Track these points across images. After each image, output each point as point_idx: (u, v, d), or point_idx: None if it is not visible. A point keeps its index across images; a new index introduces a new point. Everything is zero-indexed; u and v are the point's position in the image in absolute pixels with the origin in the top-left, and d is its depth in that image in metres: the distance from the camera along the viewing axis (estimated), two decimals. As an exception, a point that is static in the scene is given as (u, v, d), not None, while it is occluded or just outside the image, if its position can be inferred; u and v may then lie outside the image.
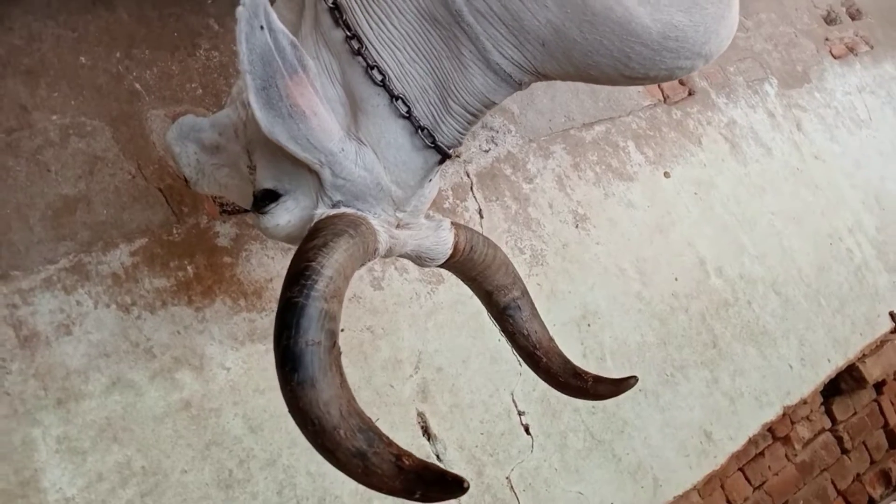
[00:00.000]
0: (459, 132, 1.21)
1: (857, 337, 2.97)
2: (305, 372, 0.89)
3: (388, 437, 0.91)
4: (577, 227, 2.46)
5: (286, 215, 1.24)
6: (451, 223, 1.34)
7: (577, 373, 1.38)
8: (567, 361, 1.40)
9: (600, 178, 2.58)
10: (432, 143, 1.19)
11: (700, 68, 1.06)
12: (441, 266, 1.35)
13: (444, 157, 1.22)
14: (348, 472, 0.90)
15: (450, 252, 1.31)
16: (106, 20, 1.95)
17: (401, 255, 1.30)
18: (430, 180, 1.27)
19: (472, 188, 2.32)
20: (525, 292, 1.41)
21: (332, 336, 0.93)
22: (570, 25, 1.00)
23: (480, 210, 2.31)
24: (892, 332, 3.13)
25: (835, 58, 3.72)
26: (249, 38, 1.06)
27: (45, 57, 1.85)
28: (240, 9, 1.24)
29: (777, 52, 3.47)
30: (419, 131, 1.18)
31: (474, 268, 1.37)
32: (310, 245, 1.03)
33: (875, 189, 3.44)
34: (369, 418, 0.92)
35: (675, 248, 2.63)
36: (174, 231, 1.81)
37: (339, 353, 0.95)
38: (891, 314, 3.14)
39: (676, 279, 2.58)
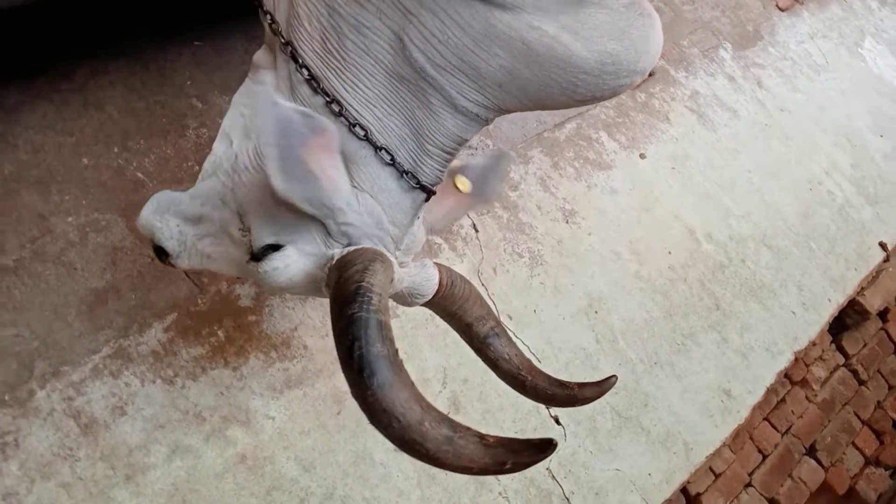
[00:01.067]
0: (439, 170, 1.34)
1: (853, 273, 3.10)
2: (384, 375, 0.98)
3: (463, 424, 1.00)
4: (567, 222, 2.60)
5: (288, 261, 1.32)
6: (433, 262, 1.45)
7: (562, 383, 1.46)
8: (549, 376, 1.47)
9: (580, 172, 2.72)
10: (417, 183, 1.32)
11: (638, 81, 1.20)
12: (425, 304, 1.45)
13: (430, 194, 1.36)
14: (439, 460, 0.98)
15: (436, 288, 1.42)
16: (99, 120, 2.10)
17: (391, 295, 1.41)
18: (419, 217, 1.40)
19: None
20: (498, 321, 1.50)
21: (393, 344, 1.03)
22: (520, 67, 1.14)
23: (474, 224, 2.45)
24: (885, 262, 3.25)
25: (782, 10, 3.86)
26: (266, 115, 1.17)
27: (51, 165, 1.99)
28: (257, 89, 1.39)
29: (725, 17, 3.61)
30: (404, 175, 1.31)
31: (455, 302, 1.46)
32: (352, 270, 1.14)
33: (843, 128, 3.57)
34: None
35: (663, 223, 2.76)
36: (199, 301, 1.95)
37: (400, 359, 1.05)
38: (881, 244, 3.27)
39: (670, 252, 2.71)
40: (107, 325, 1.86)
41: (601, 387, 1.45)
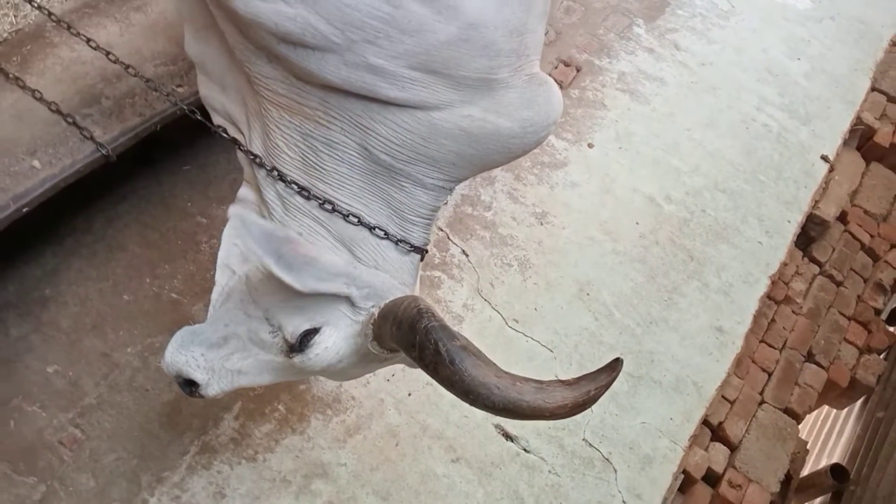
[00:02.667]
0: (425, 233, 1.66)
1: (804, 191, 3.43)
2: (471, 359, 1.19)
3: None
4: (542, 224, 2.93)
5: (330, 338, 1.54)
6: None
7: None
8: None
9: (540, 177, 3.05)
10: (411, 247, 1.64)
11: (552, 130, 1.54)
12: None
13: (423, 253, 1.68)
14: (540, 409, 1.17)
15: None
16: (126, 259, 2.43)
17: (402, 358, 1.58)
18: (418, 275, 1.72)
19: (448, 238, 2.79)
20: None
21: (464, 338, 1.25)
22: (464, 148, 1.46)
23: (463, 251, 2.78)
24: (830, 172, 3.58)
25: (680, -28, 4.20)
26: (251, 234, 1.42)
27: (100, 309, 2.32)
28: (242, 219, 1.68)
29: (631, -5, 3.94)
30: (399, 243, 1.62)
31: None
32: (403, 306, 1.35)
33: (763, 63, 3.90)
34: None
35: (624, 199, 3.10)
36: (255, 386, 2.28)
37: None
38: (822, 157, 3.60)
39: (637, 223, 3.04)
40: (187, 429, 2.18)
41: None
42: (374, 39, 1.36)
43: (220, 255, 1.72)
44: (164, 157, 2.63)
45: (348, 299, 1.52)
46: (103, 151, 1.90)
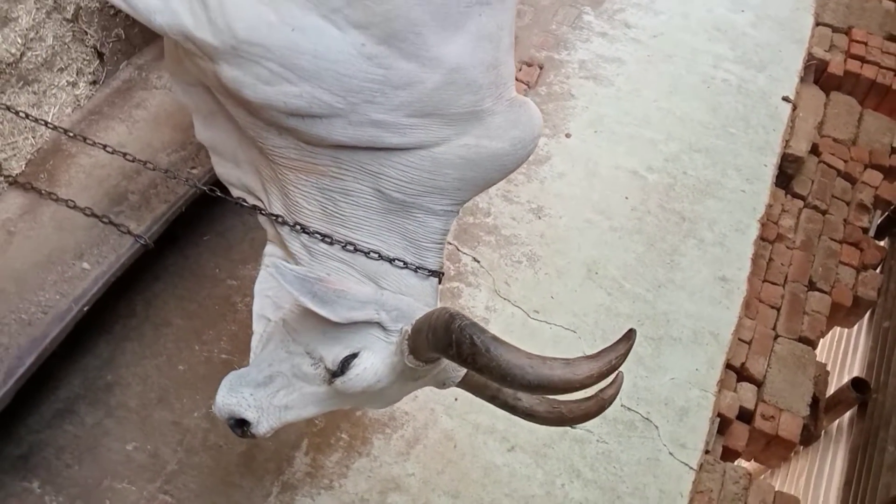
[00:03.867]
0: (438, 257, 1.81)
1: (773, 134, 3.64)
2: (502, 345, 1.33)
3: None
4: (539, 218, 3.14)
5: (368, 361, 1.63)
6: None
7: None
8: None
9: (529, 175, 3.26)
10: (429, 272, 1.79)
11: (538, 142, 1.75)
12: (459, 383, 1.76)
13: (440, 275, 1.83)
14: (569, 381, 1.32)
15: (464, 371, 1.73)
16: (172, 333, 2.62)
17: (433, 380, 1.73)
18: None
19: (458, 249, 2.99)
20: None
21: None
22: (466, 173, 1.66)
23: (474, 258, 2.99)
24: (793, 111, 3.80)
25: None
26: (286, 279, 1.59)
27: (160, 383, 2.52)
28: (273, 270, 1.87)
29: (574, -14, 4.16)
30: (418, 270, 1.77)
31: (477, 379, 1.74)
32: (435, 314, 1.48)
33: (709, 21, 4.11)
34: None
35: (610, 178, 3.31)
36: (316, 422, 2.47)
37: None
38: (784, 98, 3.82)
39: (627, 198, 3.25)
40: (265, 473, 2.38)
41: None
42: (373, 98, 1.56)
43: (255, 307, 1.90)
44: (185, 232, 2.82)
45: (379, 324, 1.65)
46: (142, 242, 2.10)
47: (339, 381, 1.64)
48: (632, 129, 3.52)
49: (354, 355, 1.64)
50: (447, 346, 1.41)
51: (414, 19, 1.49)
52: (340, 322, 1.59)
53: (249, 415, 1.67)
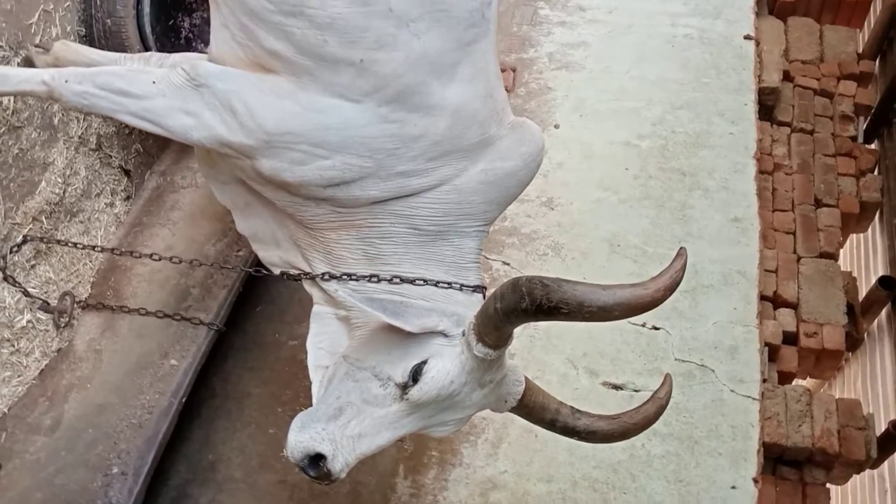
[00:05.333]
0: (477, 274, 1.98)
1: (744, 73, 3.82)
2: (572, 280, 1.44)
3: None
4: (552, 209, 3.34)
5: (438, 365, 1.68)
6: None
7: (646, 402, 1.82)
8: (631, 410, 1.80)
9: (532, 172, 3.46)
10: (472, 289, 1.96)
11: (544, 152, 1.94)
12: (513, 409, 1.82)
13: (484, 290, 2.00)
14: (643, 301, 1.41)
15: (523, 389, 1.78)
16: (254, 402, 2.83)
17: (491, 404, 1.81)
18: None
19: (486, 258, 3.19)
20: (563, 403, 1.82)
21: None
22: (490, 194, 1.87)
23: (503, 262, 3.18)
24: (757, 46, 3.98)
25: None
26: (360, 304, 1.74)
27: (257, 450, 2.73)
28: (325, 324, 2.06)
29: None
30: (462, 288, 1.95)
31: (534, 399, 1.82)
32: (497, 289, 1.56)
33: (657, -15, 4.31)
34: None
35: (606, 155, 3.50)
36: (405, 447, 2.67)
37: None
38: (745, 37, 4.00)
39: (627, 169, 3.45)
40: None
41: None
42: (395, 152, 1.77)
43: (310, 361, 2.02)
44: (239, 309, 3.03)
45: (442, 333, 1.73)
46: (215, 328, 2.31)
47: (413, 390, 1.67)
48: (613, 104, 3.71)
49: (423, 363, 1.69)
50: (519, 300, 1.45)
51: (415, 77, 1.70)
52: (414, 331, 1.68)
53: (324, 448, 1.65)
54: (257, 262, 2.22)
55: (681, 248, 1.52)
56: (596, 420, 1.78)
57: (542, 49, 4.00)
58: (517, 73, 3.90)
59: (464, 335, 1.71)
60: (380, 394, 1.72)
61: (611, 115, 3.67)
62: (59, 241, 2.36)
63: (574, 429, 1.78)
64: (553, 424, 1.81)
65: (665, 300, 1.44)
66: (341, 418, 1.70)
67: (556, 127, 3.64)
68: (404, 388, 1.70)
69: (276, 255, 2.15)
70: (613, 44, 3.99)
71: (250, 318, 3.04)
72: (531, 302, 1.43)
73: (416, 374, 1.69)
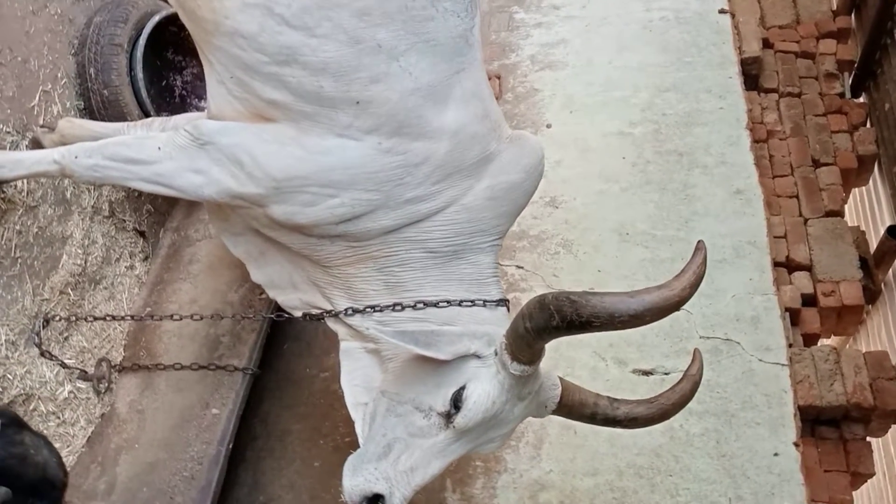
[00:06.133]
0: (498, 287, 2.02)
1: (724, 46, 3.87)
2: (598, 292, 1.45)
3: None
4: (557, 207, 3.39)
5: (477, 389, 1.70)
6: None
7: (680, 381, 1.83)
8: (666, 392, 1.81)
9: (532, 174, 3.51)
10: (495, 303, 1.99)
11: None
12: (554, 411, 1.83)
13: (507, 302, 2.04)
14: (671, 302, 1.41)
15: (560, 393, 1.80)
16: (295, 438, 2.88)
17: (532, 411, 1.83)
18: None
19: (500, 264, 3.22)
20: (600, 395, 1.83)
21: None
22: (499, 209, 1.92)
23: (517, 266, 3.24)
24: (733, 18, 4.03)
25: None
26: (389, 338, 1.75)
27: (306, 484, 2.78)
28: (357, 361, 2.11)
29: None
30: (486, 304, 1.98)
31: (571, 398, 1.82)
32: (523, 308, 1.58)
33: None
34: None
35: (601, 147, 3.55)
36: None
37: None
38: (720, 11, 4.05)
39: (624, 157, 3.50)
40: (427, 521, 2.62)
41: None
42: (402, 181, 1.83)
43: (347, 400, 2.06)
44: (265, 349, 3.09)
45: (475, 355, 1.75)
46: (250, 372, 2.37)
47: (458, 417, 1.69)
48: (601, 96, 3.77)
49: (462, 388, 1.71)
50: (549, 318, 1.48)
51: (411, 108, 1.76)
52: (447, 358, 1.69)
53: (380, 487, 1.68)
54: (278, 307, 2.26)
55: (699, 241, 1.53)
56: (635, 406, 1.80)
57: (522, 52, 4.06)
58: (502, 79, 3.96)
59: (496, 354, 1.72)
60: (424, 425, 1.75)
61: (600, 107, 3.73)
62: (92, 317, 2.42)
63: (615, 418, 1.80)
64: (594, 418, 1.83)
65: (692, 296, 1.46)
66: (391, 455, 1.73)
67: (549, 126, 3.70)
68: (448, 416, 1.72)
69: (296, 298, 2.19)
70: (592, 37, 4.05)
71: (280, 357, 3.10)
72: (561, 319, 1.47)
73: (457, 401, 1.71)
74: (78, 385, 2.34)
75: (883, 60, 3.76)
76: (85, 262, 2.49)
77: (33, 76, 2.33)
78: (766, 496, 2.53)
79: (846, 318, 3.15)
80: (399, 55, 1.71)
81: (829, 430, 2.85)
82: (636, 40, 3.98)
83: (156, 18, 2.51)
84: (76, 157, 2.00)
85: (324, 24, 1.68)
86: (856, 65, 3.92)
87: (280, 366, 3.08)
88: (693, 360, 1.84)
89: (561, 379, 1.84)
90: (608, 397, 1.83)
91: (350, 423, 2.88)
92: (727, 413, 2.70)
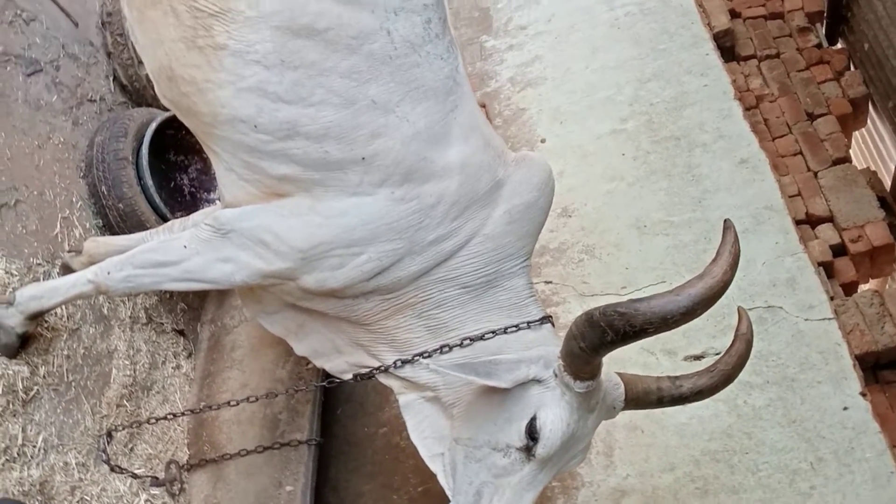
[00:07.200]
0: (537, 306, 2.03)
1: (694, 26, 3.94)
2: (643, 298, 1.45)
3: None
4: (570, 216, 3.43)
5: (549, 415, 1.71)
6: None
7: (734, 341, 1.82)
8: (722, 356, 1.81)
9: (538, 190, 3.56)
10: (538, 322, 2.01)
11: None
12: (624, 408, 1.84)
13: (549, 318, 2.06)
14: (716, 288, 1.43)
15: (624, 391, 1.81)
16: (369, 497, 2.89)
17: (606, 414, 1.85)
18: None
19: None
20: (660, 377, 1.84)
21: None
22: (520, 230, 1.95)
23: (545, 281, 3.26)
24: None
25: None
26: (449, 370, 1.77)
27: (390, 542, 2.77)
28: (420, 409, 2.12)
29: (457, 22, 4.53)
30: (529, 325, 2.00)
31: (636, 390, 1.83)
32: (571, 329, 1.61)
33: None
34: None
35: (599, 150, 3.60)
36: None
37: None
38: (687, -4, 4.13)
39: (623, 154, 3.54)
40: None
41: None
42: (421, 224, 1.87)
43: (423, 454, 2.04)
44: (323, 418, 3.12)
45: (535, 380, 1.75)
46: (314, 443, 2.39)
47: (539, 448, 1.71)
48: (586, 101, 3.83)
49: (533, 419, 1.72)
50: (602, 334, 1.51)
51: (415, 153, 1.82)
52: (507, 386, 1.70)
53: None
54: (327, 374, 2.29)
55: (725, 220, 1.55)
56: (697, 379, 1.80)
57: (501, 77, 4.15)
58: (487, 107, 4.04)
59: (556, 377, 1.74)
60: (507, 464, 1.76)
61: (588, 111, 3.79)
62: (146, 421, 2.46)
63: (681, 396, 1.80)
64: (661, 401, 1.83)
65: (734, 277, 1.46)
66: (483, 500, 1.75)
67: (543, 141, 3.76)
68: (527, 449, 1.73)
69: (342, 362, 2.21)
70: (564, 47, 4.13)
71: (336, 422, 3.13)
72: (615, 333, 1.48)
73: (532, 433, 1.71)
74: (152, 492, 2.37)
75: (851, 4, 3.81)
76: (134, 372, 2.54)
77: (51, 206, 2.42)
78: (845, 452, 2.51)
79: (879, 259, 3.15)
80: (394, 106, 1.77)
81: (892, 372, 2.83)
82: (607, 40, 4.06)
83: (153, 126, 2.60)
84: (108, 273, 2.07)
85: (317, 92, 1.75)
86: (825, 14, 3.97)
87: (338, 431, 3.11)
88: (740, 320, 1.82)
89: (619, 375, 1.85)
90: (668, 377, 1.83)
91: (420, 472, 2.90)
92: (787, 379, 2.69)
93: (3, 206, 2.21)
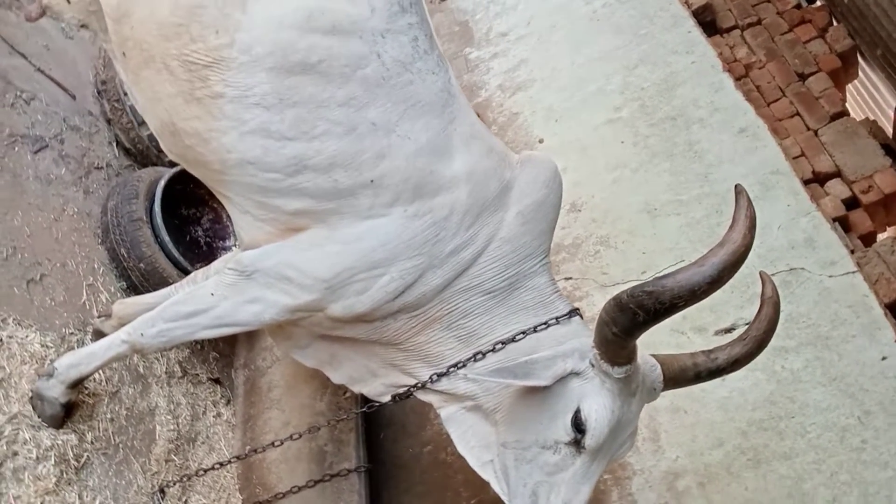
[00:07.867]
0: (562, 300, 2.05)
1: (672, 6, 3.97)
2: (667, 274, 1.46)
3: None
4: (580, 210, 3.45)
5: (592, 405, 1.72)
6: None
7: (760, 306, 1.80)
8: (751, 323, 1.79)
9: (544, 190, 3.59)
10: (567, 316, 2.01)
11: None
12: (664, 389, 1.83)
13: (576, 310, 2.06)
14: (739, 252, 1.44)
15: (662, 373, 1.80)
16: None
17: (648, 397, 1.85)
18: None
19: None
20: (695, 353, 1.83)
21: None
22: (536, 229, 1.98)
23: (565, 277, 3.28)
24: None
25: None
26: (487, 375, 1.78)
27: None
28: (463, 420, 2.14)
29: (439, 39, 4.60)
30: (559, 320, 2.01)
31: (673, 369, 1.82)
32: (601, 316, 1.64)
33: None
34: None
35: (597, 141, 3.63)
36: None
37: None
38: (659, -19, 4.17)
39: (623, 142, 3.57)
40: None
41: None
42: (438, 237, 1.90)
43: (473, 463, 2.04)
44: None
45: (572, 373, 1.76)
46: (363, 469, 2.41)
47: (587, 439, 1.72)
48: (577, 96, 3.87)
49: (577, 412, 1.74)
50: (633, 316, 1.52)
51: (421, 168, 1.85)
52: (547, 383, 1.72)
53: None
54: (366, 399, 2.31)
55: (736, 185, 1.57)
56: (730, 349, 1.78)
57: (490, 86, 4.20)
58: (481, 116, 4.08)
59: (593, 367, 1.75)
60: (558, 460, 1.77)
61: (580, 106, 3.82)
62: (195, 474, 2.48)
63: (718, 368, 1.78)
64: (699, 377, 1.81)
65: (754, 239, 1.48)
66: (540, 500, 1.77)
67: (541, 142, 3.79)
68: (576, 442, 1.74)
69: (379, 384, 2.23)
70: (547, 47, 4.18)
71: (380, 447, 3.14)
72: (646, 313, 1.50)
73: (578, 425, 1.73)
74: (210, 541, 2.39)
75: (824, -40, 3.84)
76: (177, 426, 2.57)
77: (75, 275, 2.47)
78: (891, 402, 2.50)
79: (893, 206, 3.14)
80: (394, 126, 1.81)
81: (925, 316, 2.81)
82: (589, 34, 4.10)
83: (162, 183, 2.66)
84: (141, 333, 2.11)
85: (319, 125, 1.79)
86: (799, -26, 4.00)
87: (384, 456, 3.12)
88: (764, 284, 1.81)
89: (654, 356, 1.85)
90: (702, 352, 1.82)
91: (470, 485, 2.91)
92: (820, 338, 2.68)
93: (30, 282, 2.26)
